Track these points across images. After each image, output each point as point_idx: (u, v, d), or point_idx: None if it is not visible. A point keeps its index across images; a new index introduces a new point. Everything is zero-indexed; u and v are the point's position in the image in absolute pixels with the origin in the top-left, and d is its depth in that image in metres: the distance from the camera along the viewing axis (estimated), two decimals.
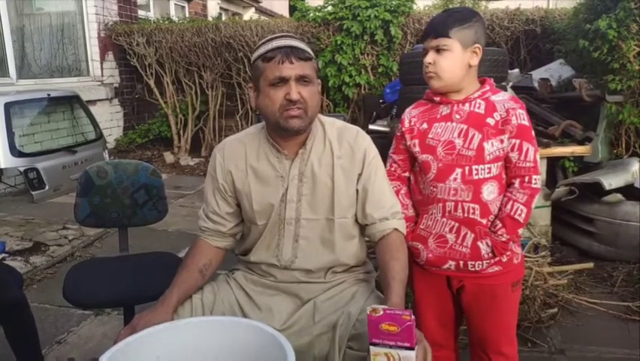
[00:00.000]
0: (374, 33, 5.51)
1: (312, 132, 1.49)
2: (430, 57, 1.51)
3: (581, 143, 3.47)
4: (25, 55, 5.87)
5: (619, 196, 3.12)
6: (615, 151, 3.73)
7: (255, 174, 1.50)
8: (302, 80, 1.38)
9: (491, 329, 1.60)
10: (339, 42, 5.61)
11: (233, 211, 1.55)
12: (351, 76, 5.69)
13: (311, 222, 1.47)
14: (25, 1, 6.00)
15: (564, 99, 3.93)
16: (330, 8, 5.76)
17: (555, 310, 2.57)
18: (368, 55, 5.75)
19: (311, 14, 5.87)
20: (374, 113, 4.88)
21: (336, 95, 5.87)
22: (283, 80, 1.37)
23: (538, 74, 4.27)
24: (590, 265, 3.02)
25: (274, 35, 1.45)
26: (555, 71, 4.26)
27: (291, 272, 1.47)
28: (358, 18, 5.46)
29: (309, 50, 1.43)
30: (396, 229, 1.48)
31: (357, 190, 1.49)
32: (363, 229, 1.53)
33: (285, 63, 1.37)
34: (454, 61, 1.49)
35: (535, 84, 4.12)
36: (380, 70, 5.72)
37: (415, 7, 5.72)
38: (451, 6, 5.77)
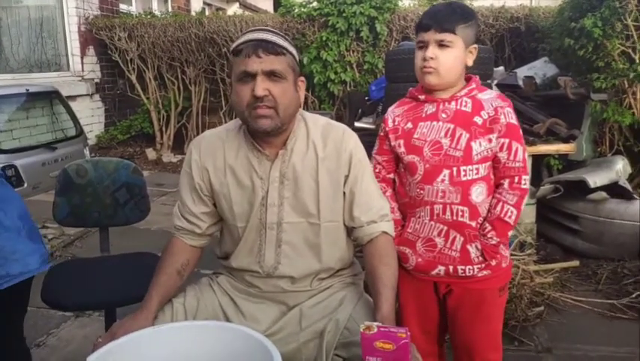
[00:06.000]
0: (359, 30, 5.49)
1: (294, 131, 1.40)
2: (431, 51, 1.41)
3: (565, 141, 3.48)
4: (3, 49, 5.74)
5: (603, 194, 3.13)
6: (599, 149, 3.76)
7: (233, 174, 1.40)
8: (271, 75, 1.28)
9: (477, 335, 1.55)
10: (324, 38, 5.58)
11: (210, 211, 1.46)
12: (336, 73, 5.67)
13: (294, 226, 1.39)
14: None
15: (549, 97, 3.95)
16: (315, 4, 5.72)
17: (541, 308, 2.57)
18: (353, 52, 5.73)
19: (296, 10, 5.84)
20: (359, 111, 4.85)
21: (321, 92, 5.84)
22: (250, 75, 1.27)
23: (522, 72, 4.28)
24: (577, 263, 3.03)
25: (250, 29, 1.35)
26: (539, 69, 4.28)
27: (275, 281, 1.40)
28: (344, 14, 5.43)
29: (283, 44, 1.31)
30: (384, 232, 1.42)
31: (344, 193, 1.41)
32: (350, 230, 1.46)
33: (252, 57, 1.26)
34: (455, 58, 1.43)
35: (520, 82, 4.13)
36: (365, 67, 5.71)
37: (400, 3, 5.72)
38: (435, 3, 5.77)
